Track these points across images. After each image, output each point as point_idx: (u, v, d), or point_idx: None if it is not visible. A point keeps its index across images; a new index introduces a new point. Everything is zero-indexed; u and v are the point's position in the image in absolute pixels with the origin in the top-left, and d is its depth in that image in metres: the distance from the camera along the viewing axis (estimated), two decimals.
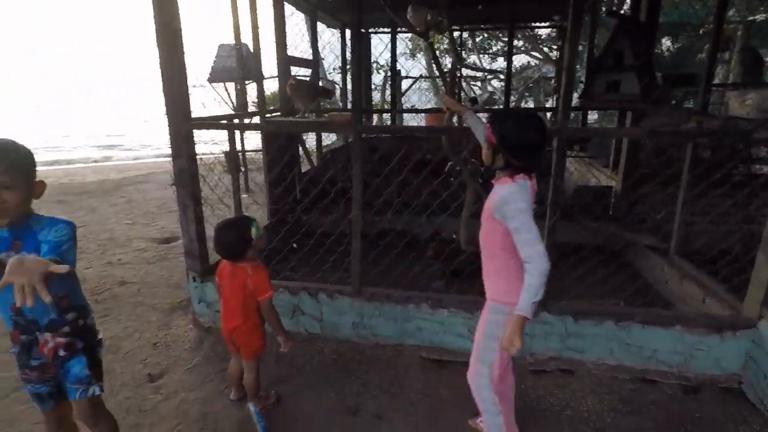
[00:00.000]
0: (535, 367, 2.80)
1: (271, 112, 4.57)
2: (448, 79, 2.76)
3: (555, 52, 15.91)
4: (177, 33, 2.70)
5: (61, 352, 1.56)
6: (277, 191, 4.07)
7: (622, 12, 4.49)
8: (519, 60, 16.92)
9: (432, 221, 4.39)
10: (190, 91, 2.91)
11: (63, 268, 1.14)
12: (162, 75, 2.76)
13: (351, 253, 2.91)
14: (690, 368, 2.72)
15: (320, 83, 8.00)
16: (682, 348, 2.71)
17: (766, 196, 4.31)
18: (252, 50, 5.10)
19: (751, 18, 8.09)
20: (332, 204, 3.78)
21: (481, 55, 15.16)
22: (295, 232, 4.04)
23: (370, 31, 8.10)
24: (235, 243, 2.15)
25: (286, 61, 4.51)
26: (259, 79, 4.40)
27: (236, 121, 3.19)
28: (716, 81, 5.89)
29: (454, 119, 3.09)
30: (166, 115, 2.81)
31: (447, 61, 13.14)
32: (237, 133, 4.79)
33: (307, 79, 5.32)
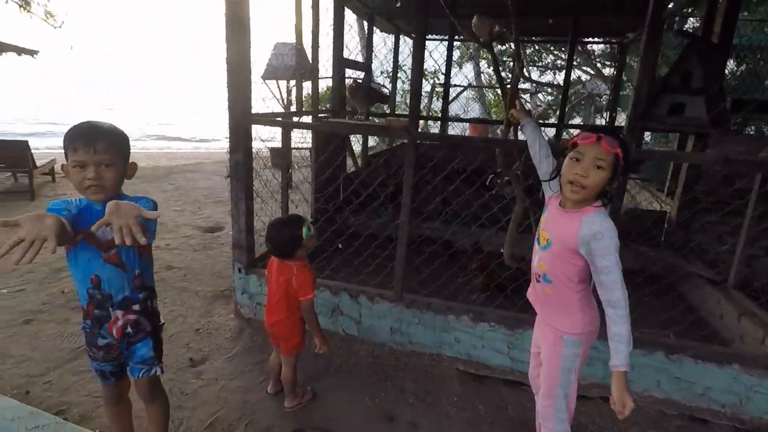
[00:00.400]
0: (578, 392, 2.70)
1: (323, 111, 4.67)
2: (508, 90, 2.72)
3: (608, 69, 15.52)
4: (245, 26, 2.79)
5: (129, 329, 1.63)
6: (326, 191, 4.14)
7: (692, 32, 4.28)
8: (572, 75, 16.51)
9: (479, 234, 4.35)
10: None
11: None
12: (228, 69, 2.85)
13: (395, 257, 2.91)
14: (745, 410, 2.56)
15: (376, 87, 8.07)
16: (737, 388, 2.55)
17: None
18: (307, 51, 5.22)
19: None
20: (379, 207, 3.80)
21: (531, 68, 14.91)
22: (341, 233, 4.08)
23: (426, 37, 8.16)
24: (287, 242, 2.19)
25: (341, 63, 4.57)
26: (313, 78, 4.49)
27: (295, 119, 3.26)
28: None
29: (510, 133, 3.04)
30: (228, 109, 2.90)
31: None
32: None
33: (361, 81, 5.39)
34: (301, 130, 4.91)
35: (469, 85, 10.20)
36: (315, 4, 4.16)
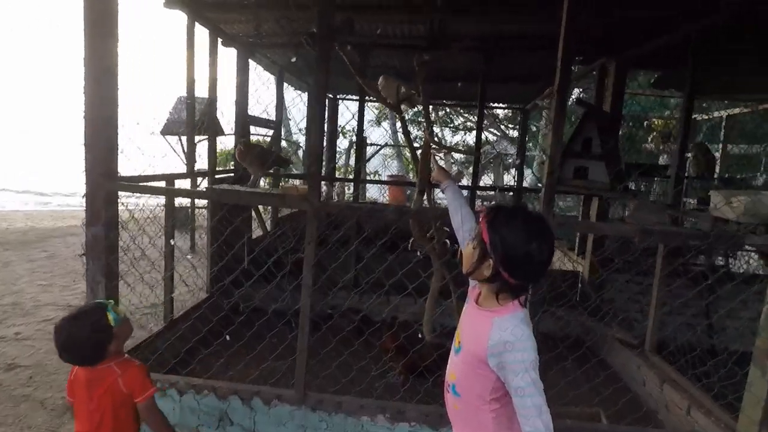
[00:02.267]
0: None
1: (225, 171, 4.19)
2: (419, 156, 2.49)
3: (511, 131, 16.84)
4: (112, 73, 2.32)
5: None
6: (224, 259, 3.59)
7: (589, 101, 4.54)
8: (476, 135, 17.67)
9: (403, 306, 3.99)
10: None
11: None
12: (86, 123, 2.33)
13: (297, 348, 2.43)
14: None
15: (282, 142, 7.72)
16: None
17: (728, 291, 4.26)
18: (211, 105, 4.80)
19: (695, 116, 8.71)
20: (286, 278, 3.33)
21: (443, 128, 15.69)
22: (238, 310, 3.50)
23: (338, 96, 8.09)
24: (89, 341, 1.64)
25: (244, 120, 4.19)
26: (210, 134, 4.04)
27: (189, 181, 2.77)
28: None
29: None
30: (85, 172, 2.35)
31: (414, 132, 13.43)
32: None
33: (269, 139, 5.03)
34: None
35: (385, 145, 10.30)
36: (212, 52, 3.79)
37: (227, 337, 2.62)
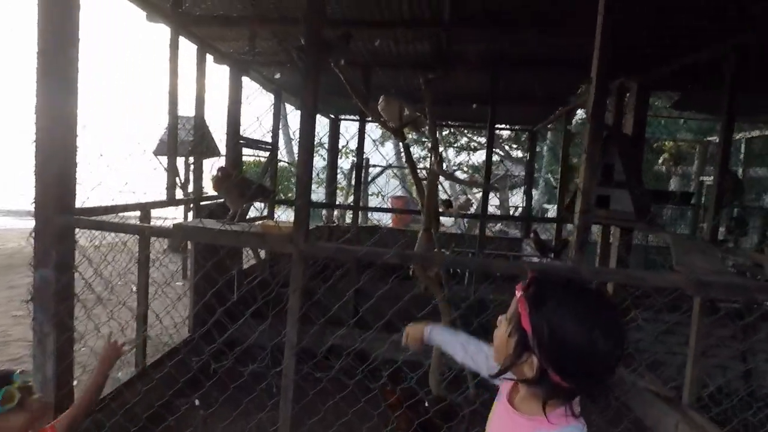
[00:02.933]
0: None
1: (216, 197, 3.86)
2: (425, 187, 2.14)
3: (515, 151, 16.59)
4: (71, 80, 2.00)
5: None
6: (211, 293, 3.20)
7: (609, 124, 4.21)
8: (480, 156, 17.58)
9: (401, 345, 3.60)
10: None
11: None
12: (35, 143, 2.00)
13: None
14: None
15: (281, 163, 7.41)
16: None
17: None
18: (202, 124, 4.52)
19: (708, 138, 8.40)
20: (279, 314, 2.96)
21: (447, 148, 15.43)
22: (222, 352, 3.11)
23: (340, 117, 7.83)
24: None
25: (236, 141, 3.89)
26: (199, 156, 3.73)
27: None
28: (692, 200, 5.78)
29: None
30: (35, 205, 2.01)
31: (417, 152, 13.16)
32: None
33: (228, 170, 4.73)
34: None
35: (388, 166, 10.01)
36: (200, 68, 3.50)
37: (196, 401, 2.23)
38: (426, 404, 2.60)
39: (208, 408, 2.59)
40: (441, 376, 2.89)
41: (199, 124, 3.73)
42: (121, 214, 2.52)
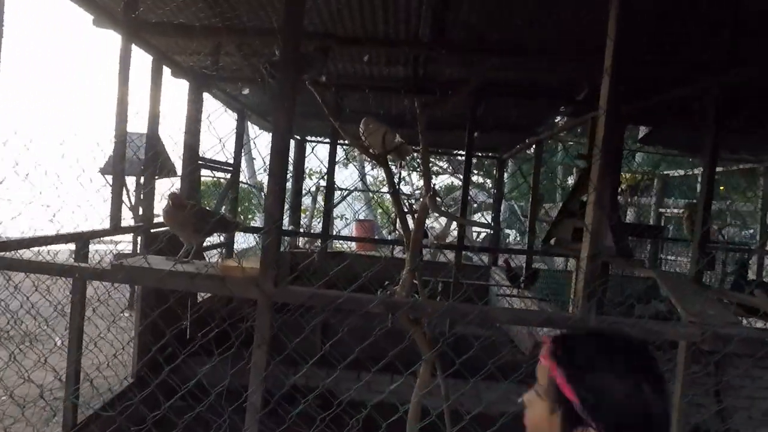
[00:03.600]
0: None
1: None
2: (411, 223, 1.90)
3: (476, 176, 16.88)
4: None
5: None
6: (162, 332, 2.79)
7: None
8: (443, 180, 17.81)
9: (379, 384, 3.29)
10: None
11: None
12: None
13: None
14: None
15: (242, 185, 7.01)
16: None
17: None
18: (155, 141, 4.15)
19: (665, 171, 8.71)
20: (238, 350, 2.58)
21: (412, 173, 15.45)
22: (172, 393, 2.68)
23: (306, 138, 7.55)
24: None
25: (194, 161, 3.54)
26: (151, 176, 3.35)
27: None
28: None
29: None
30: None
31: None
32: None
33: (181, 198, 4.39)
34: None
35: (354, 189, 9.77)
36: (155, 81, 3.16)
37: None
38: None
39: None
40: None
41: (152, 140, 3.36)
42: (49, 248, 2.12)
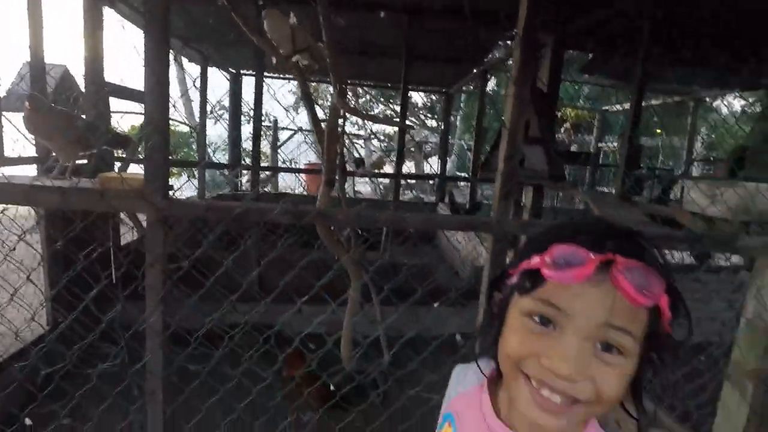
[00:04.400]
0: None
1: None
2: (325, 129, 1.74)
3: (430, 120, 16.75)
4: None
5: None
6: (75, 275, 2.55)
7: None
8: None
9: (318, 315, 3.26)
10: None
11: None
12: None
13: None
14: None
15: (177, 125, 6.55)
16: None
17: None
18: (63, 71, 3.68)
19: (605, 107, 8.89)
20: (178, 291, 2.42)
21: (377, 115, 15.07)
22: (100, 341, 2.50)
23: (241, 72, 7.04)
24: None
25: (98, 88, 3.15)
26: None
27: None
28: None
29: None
30: None
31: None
32: None
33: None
34: None
35: (299, 129, 9.36)
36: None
37: (27, 421, 1.70)
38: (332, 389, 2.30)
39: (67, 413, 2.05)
40: (354, 349, 2.60)
41: (36, 70, 2.96)
42: None
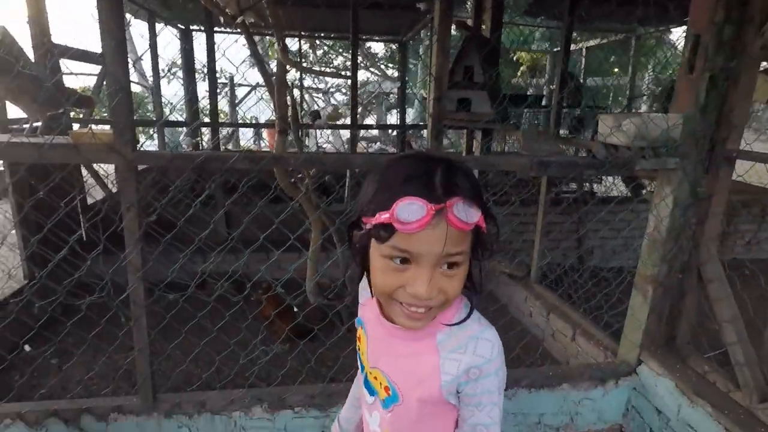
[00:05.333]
0: None
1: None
2: (274, 82, 1.92)
3: (391, 70, 16.53)
4: None
5: None
6: (51, 228, 2.68)
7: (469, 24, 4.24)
8: (359, 76, 17.11)
9: (283, 261, 3.51)
10: None
11: None
12: None
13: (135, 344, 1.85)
14: (575, 427, 2.38)
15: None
16: (567, 407, 2.35)
17: (597, 214, 4.54)
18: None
19: (555, 49, 9.11)
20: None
21: (322, 68, 14.73)
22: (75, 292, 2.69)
23: (191, 28, 6.83)
24: None
25: (44, 49, 3.13)
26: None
27: None
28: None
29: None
30: None
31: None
32: None
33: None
34: None
35: (256, 85, 9.20)
36: None
37: (26, 348, 1.92)
38: (296, 310, 2.60)
39: (53, 354, 2.29)
40: (317, 285, 2.90)
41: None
42: None
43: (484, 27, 4.30)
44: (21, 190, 2.80)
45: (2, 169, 7.26)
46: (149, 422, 1.93)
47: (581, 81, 6.28)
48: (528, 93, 9.36)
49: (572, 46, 8.43)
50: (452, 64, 3.87)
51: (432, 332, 0.86)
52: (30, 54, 3.87)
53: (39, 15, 3.24)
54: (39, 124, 1.84)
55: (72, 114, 3.11)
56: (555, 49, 9.56)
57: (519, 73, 11.32)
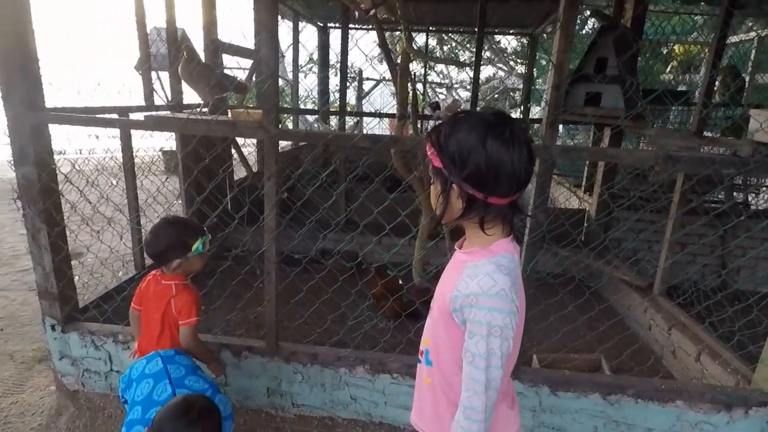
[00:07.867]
0: None
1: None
2: (398, 70, 2.08)
3: (520, 66, 15.85)
4: None
5: None
6: (205, 202, 3.27)
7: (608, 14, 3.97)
8: (485, 71, 16.78)
9: (391, 245, 3.73)
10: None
11: None
12: None
13: (265, 297, 2.18)
14: None
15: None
16: (681, 427, 2.15)
17: (750, 227, 3.92)
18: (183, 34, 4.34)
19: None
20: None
21: (448, 66, 14.75)
22: (221, 256, 3.24)
23: (328, 25, 7.44)
24: (166, 243, 1.73)
25: (214, 47, 3.73)
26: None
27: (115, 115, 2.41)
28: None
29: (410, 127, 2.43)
30: (2, 100, 2.00)
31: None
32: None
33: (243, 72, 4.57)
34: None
35: (382, 79, 9.63)
36: None
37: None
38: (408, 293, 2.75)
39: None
40: (423, 270, 3.03)
41: (172, 33, 3.59)
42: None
43: (625, 16, 3.98)
44: (190, 161, 3.42)
45: (167, 150, 8.68)
46: (272, 364, 2.26)
47: (744, 77, 5.41)
48: (678, 90, 8.29)
49: (742, 35, 7.24)
50: (584, 54, 3.68)
51: (467, 260, 1.02)
52: (199, 50, 4.62)
53: (210, 21, 3.86)
54: (206, 109, 2.27)
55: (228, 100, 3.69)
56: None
57: (669, 69, 10.05)
